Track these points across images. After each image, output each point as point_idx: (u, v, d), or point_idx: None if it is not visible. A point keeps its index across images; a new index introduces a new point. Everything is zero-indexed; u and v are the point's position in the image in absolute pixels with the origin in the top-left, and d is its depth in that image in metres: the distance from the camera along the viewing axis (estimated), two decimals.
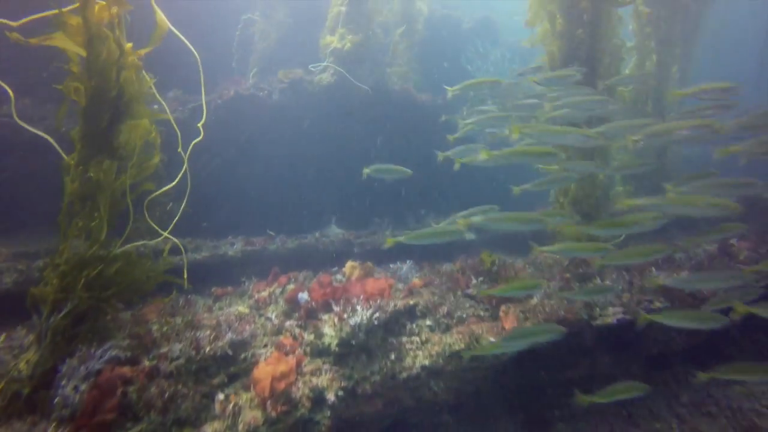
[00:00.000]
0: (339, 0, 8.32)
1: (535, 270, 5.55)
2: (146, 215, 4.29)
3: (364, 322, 3.90)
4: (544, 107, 5.22)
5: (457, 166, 5.25)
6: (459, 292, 4.66)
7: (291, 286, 5.44)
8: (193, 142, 4.69)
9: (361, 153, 8.88)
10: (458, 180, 11.28)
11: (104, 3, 3.88)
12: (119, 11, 3.97)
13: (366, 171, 5.12)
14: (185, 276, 4.74)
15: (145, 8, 4.57)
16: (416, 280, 5.05)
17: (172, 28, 4.48)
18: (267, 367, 3.62)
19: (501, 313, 4.32)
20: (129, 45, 4.07)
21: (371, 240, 7.14)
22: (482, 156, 4.58)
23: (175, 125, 4.58)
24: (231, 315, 4.53)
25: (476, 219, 4.26)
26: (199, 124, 5.09)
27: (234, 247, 6.50)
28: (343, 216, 8.34)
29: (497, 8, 20.27)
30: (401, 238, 4.12)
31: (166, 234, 4.43)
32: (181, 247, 4.93)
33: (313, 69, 8.18)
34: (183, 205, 4.57)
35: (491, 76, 14.31)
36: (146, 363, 3.59)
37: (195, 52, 4.78)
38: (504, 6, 20.98)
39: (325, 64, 8.03)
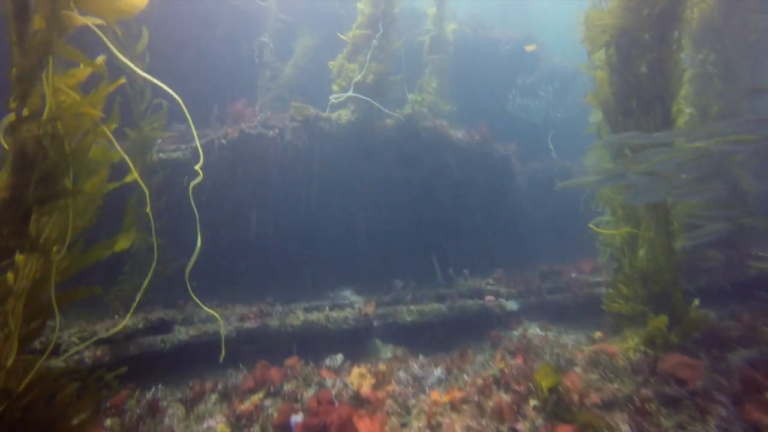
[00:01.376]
0: (360, 20, 7.39)
1: (601, 377, 4.22)
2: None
3: None
4: None
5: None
6: (504, 429, 3.38)
7: (287, 387, 4.30)
8: (192, 184, 3.60)
9: (383, 200, 7.75)
10: (493, 230, 10.04)
11: None
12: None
13: None
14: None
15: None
16: (440, 396, 3.80)
17: (155, 81, 3.47)
18: None
19: None
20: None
21: (392, 312, 5.92)
22: None
23: (143, 185, 3.55)
24: None
25: None
26: (197, 166, 4.08)
27: (228, 323, 5.40)
28: (359, 275, 7.18)
29: (537, 23, 18.92)
30: None
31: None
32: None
33: (334, 100, 7.14)
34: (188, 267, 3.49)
35: (542, 113, 13.06)
36: None
37: (176, 96, 3.77)
38: (545, 23, 19.57)
39: (347, 94, 6.98)
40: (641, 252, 5.17)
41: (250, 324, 5.32)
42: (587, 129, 7.66)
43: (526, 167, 11.72)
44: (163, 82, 3.29)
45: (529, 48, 12.27)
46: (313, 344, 5.44)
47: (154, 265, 3.78)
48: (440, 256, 7.75)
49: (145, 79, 4.99)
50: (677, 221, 5.58)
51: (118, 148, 3.29)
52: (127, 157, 3.48)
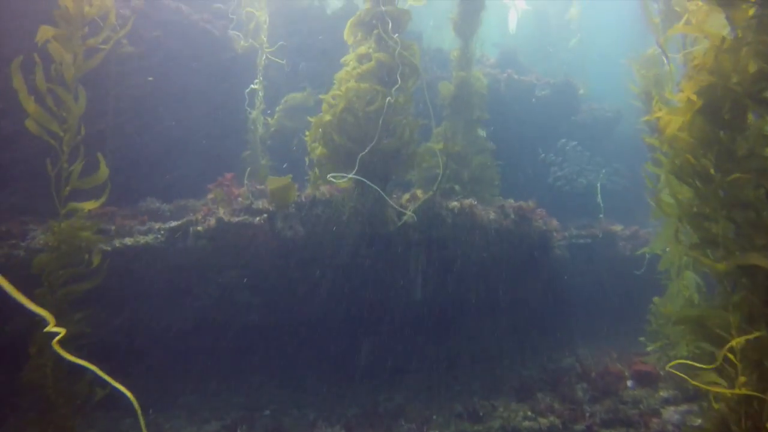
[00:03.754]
0: (364, 69, 5.98)
1: None
2: None
3: None
4: None
5: None
6: None
7: None
8: None
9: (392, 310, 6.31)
10: (522, 310, 8.46)
11: None
12: None
13: None
14: None
15: None
16: None
17: None
18: None
19: None
20: None
21: None
22: None
23: None
24: None
25: None
26: None
27: None
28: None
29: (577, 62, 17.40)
30: None
31: None
32: None
33: (332, 179, 5.71)
34: None
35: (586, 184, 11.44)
36: None
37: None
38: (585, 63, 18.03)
39: (348, 176, 5.52)
40: None
41: None
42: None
43: (566, 231, 10.17)
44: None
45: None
46: None
47: None
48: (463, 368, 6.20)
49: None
50: None
51: None
52: None
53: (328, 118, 5.53)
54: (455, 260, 6.65)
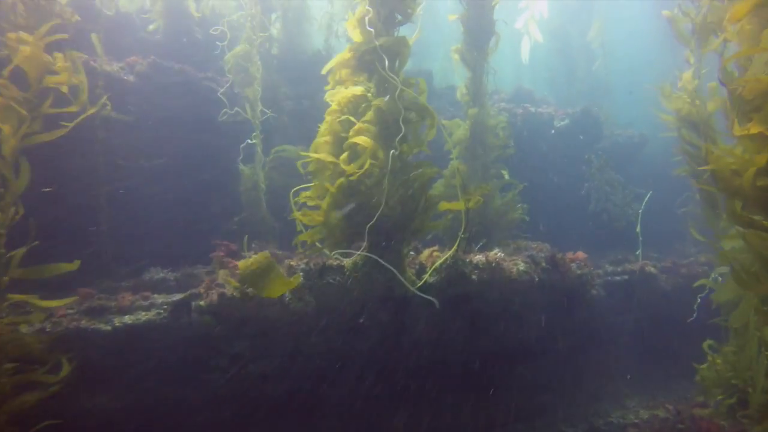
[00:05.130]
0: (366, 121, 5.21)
1: None
2: None
3: None
4: None
5: None
6: None
7: None
8: None
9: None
10: (555, 358, 7.72)
11: None
12: None
13: None
14: None
15: None
16: None
17: None
18: None
19: None
20: None
21: None
22: None
23: None
24: None
25: None
26: None
27: None
28: None
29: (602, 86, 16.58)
30: None
31: None
32: None
33: (335, 260, 5.17)
34: None
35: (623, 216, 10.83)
36: None
37: None
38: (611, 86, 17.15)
39: (357, 252, 4.98)
40: None
41: None
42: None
43: (600, 268, 9.50)
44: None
45: None
46: None
47: None
48: None
49: None
50: None
51: None
52: None
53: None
54: (482, 316, 6.09)
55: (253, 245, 6.44)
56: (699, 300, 7.03)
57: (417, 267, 5.45)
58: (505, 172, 7.52)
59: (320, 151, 4.62)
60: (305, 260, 5.30)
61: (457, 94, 7.93)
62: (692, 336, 7.78)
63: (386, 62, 4.63)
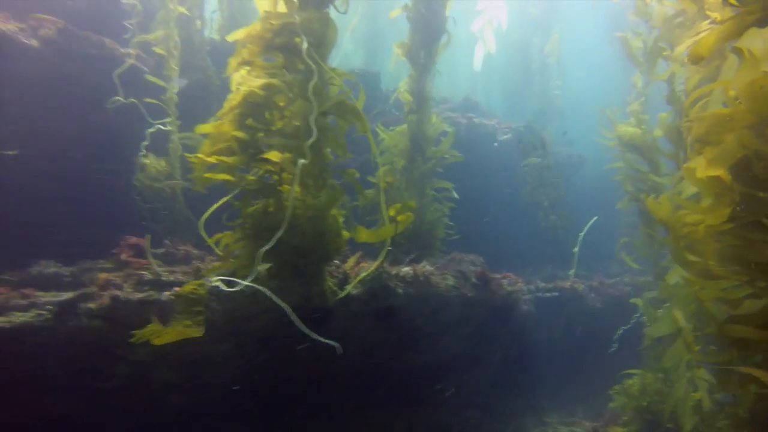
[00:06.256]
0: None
1: None
2: None
3: None
4: None
5: None
6: None
7: None
8: None
9: None
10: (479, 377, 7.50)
11: None
12: None
13: None
14: None
15: None
16: None
17: None
18: None
19: None
20: None
21: None
22: None
23: None
24: None
25: None
26: None
27: None
28: None
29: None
30: None
31: None
32: None
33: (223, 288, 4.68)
34: None
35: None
36: None
37: None
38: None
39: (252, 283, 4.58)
40: None
41: None
42: None
43: (532, 284, 9.56)
44: None
45: None
46: None
47: None
48: None
49: None
50: None
51: None
52: None
53: None
54: (408, 330, 5.83)
55: (166, 242, 5.85)
56: (629, 324, 7.13)
57: (340, 276, 5.10)
58: (447, 185, 7.26)
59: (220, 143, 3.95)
60: (217, 264, 4.82)
61: (399, 91, 7.25)
62: (615, 353, 7.95)
63: (305, 45, 3.67)
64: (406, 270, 5.25)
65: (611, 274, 10.93)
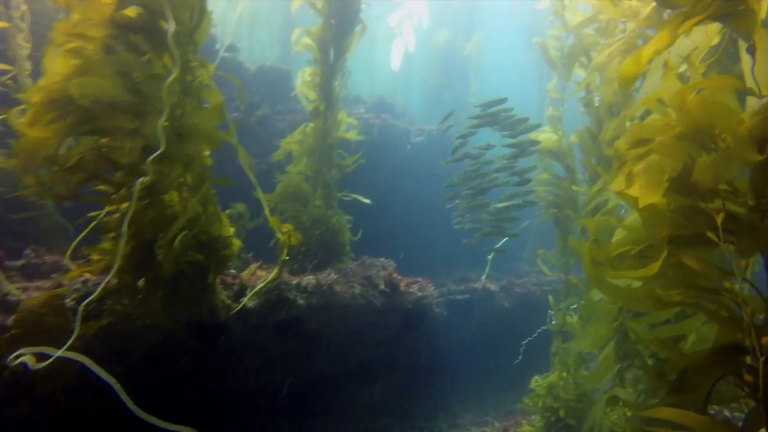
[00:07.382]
0: None
1: None
2: None
3: None
4: None
5: None
6: None
7: None
8: None
9: None
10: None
11: None
12: None
13: None
14: None
15: None
16: None
17: None
18: None
19: None
20: None
21: None
22: None
23: None
24: None
25: None
26: None
27: None
28: None
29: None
30: None
31: None
32: None
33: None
34: None
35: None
36: None
37: None
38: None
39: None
40: None
41: None
42: None
43: (443, 288, 9.59)
44: None
45: None
46: None
47: None
48: None
49: None
50: None
51: None
52: None
53: None
54: (314, 341, 5.51)
55: (27, 252, 5.03)
56: (541, 329, 7.20)
57: (237, 288, 4.65)
58: (356, 197, 6.93)
59: None
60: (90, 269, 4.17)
61: (299, 96, 6.77)
62: (525, 351, 8.10)
63: (172, 24, 3.17)
64: (308, 279, 4.90)
65: (520, 273, 11.26)
